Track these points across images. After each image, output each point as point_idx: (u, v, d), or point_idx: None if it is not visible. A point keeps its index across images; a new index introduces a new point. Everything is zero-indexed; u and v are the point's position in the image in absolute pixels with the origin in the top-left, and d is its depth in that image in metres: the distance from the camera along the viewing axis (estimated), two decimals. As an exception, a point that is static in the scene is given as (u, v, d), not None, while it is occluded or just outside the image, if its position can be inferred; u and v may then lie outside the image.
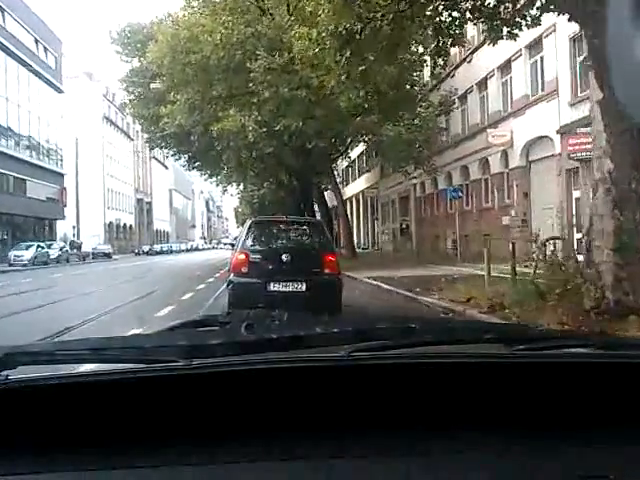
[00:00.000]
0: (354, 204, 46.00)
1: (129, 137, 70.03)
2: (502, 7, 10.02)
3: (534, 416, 0.95)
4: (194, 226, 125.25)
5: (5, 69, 37.72)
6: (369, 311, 9.19)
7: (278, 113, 17.17)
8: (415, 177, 28.99)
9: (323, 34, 10.60)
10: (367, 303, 10.61)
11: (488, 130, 20.55)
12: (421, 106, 21.83)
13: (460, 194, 20.40)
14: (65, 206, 46.67)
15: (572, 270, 6.36)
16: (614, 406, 0.96)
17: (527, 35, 19.16)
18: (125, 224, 68.64)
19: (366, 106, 18.08)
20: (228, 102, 17.95)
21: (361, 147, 41.62)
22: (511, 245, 9.23)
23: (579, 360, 1.07)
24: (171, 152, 27.94)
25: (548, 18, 11.16)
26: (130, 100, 25.63)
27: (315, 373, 0.96)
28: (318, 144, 18.71)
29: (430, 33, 11.41)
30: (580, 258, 6.93)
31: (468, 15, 10.36)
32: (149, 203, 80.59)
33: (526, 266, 9.10)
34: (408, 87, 21.79)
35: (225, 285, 8.49)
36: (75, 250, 40.34)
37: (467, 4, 10.14)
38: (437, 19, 10.62)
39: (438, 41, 10.75)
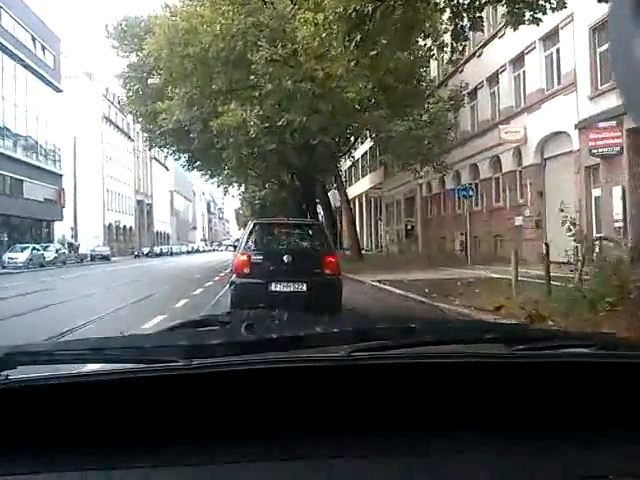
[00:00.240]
0: (357, 205, 45.12)
1: (129, 138, 69.22)
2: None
3: (534, 416, 0.94)
4: (195, 228, 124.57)
5: (1, 67, 36.96)
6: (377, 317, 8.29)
7: (281, 107, 16.27)
8: (422, 176, 28.13)
9: (330, 17, 9.73)
10: (379, 310, 9.78)
11: (500, 126, 19.65)
12: (429, 103, 20.92)
13: (471, 193, 19.49)
14: (63, 207, 45.86)
15: (626, 274, 5.44)
16: (614, 406, 0.95)
17: (541, 27, 18.49)
18: (125, 226, 67.86)
19: (373, 100, 17.25)
20: (228, 96, 17.04)
21: (365, 146, 41.04)
22: (544, 246, 8.25)
23: (579, 360, 1.07)
24: (170, 151, 27.03)
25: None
26: (127, 97, 24.74)
27: (315, 373, 0.96)
28: (323, 140, 17.81)
29: (447, 16, 10.51)
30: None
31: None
32: (149, 205, 79.84)
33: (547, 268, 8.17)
34: (415, 82, 21.01)
35: (227, 285, 8.65)
36: (72, 252, 39.48)
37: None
38: (454, 1, 9.78)
39: (456, 24, 9.87)
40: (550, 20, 17.90)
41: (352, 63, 9.89)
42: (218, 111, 16.75)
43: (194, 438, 0.89)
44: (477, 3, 9.82)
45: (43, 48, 43.81)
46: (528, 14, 10.15)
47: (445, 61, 25.90)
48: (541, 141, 18.53)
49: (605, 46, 13.57)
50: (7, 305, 11.75)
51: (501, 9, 11.91)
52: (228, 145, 19.42)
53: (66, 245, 41.02)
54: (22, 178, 38.87)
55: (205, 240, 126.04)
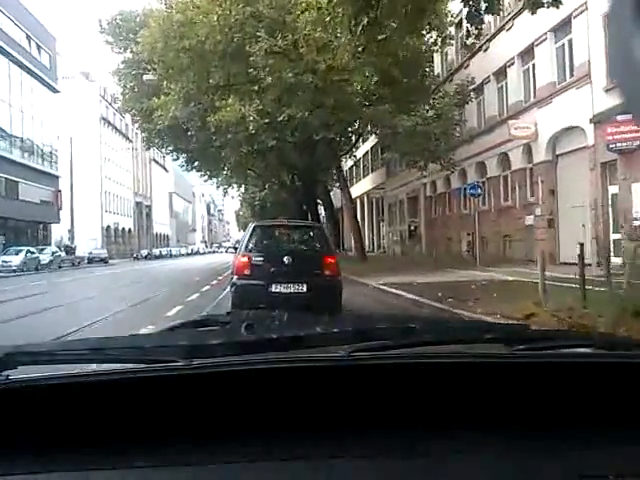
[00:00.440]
0: (358, 206, 44.38)
1: (128, 139, 68.43)
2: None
3: (534, 416, 0.94)
4: (195, 230, 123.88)
5: (-4, 67, 36.27)
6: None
7: (281, 102, 15.49)
8: (426, 175, 27.40)
9: (335, 0, 9.00)
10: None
11: (510, 122, 18.86)
12: (434, 99, 20.13)
13: (480, 191, 18.68)
14: (60, 209, 45.13)
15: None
16: (614, 406, 0.95)
17: (553, 17, 17.72)
18: (124, 228, 67.16)
19: (378, 94, 16.49)
20: (226, 91, 16.25)
21: (367, 146, 40.36)
22: (579, 246, 7.47)
23: (579, 360, 1.07)
24: (168, 150, 26.25)
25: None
26: (123, 94, 23.98)
27: (315, 373, 0.96)
28: (325, 137, 17.03)
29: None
30: None
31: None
32: (148, 206, 79.13)
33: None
34: (420, 77, 20.28)
35: (228, 287, 8.73)
36: (69, 255, 38.72)
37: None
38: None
39: (470, 6, 9.11)
40: (562, 9, 17.29)
41: (359, 49, 9.11)
42: (216, 106, 15.97)
43: (194, 438, 0.89)
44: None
45: (38, 47, 43.10)
46: (548, -5, 9.39)
47: (450, 55, 25.35)
48: (553, 137, 17.75)
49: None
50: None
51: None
52: (227, 143, 18.65)
53: (62, 248, 40.19)
54: (17, 179, 38.17)
55: (205, 242, 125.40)
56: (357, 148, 33.90)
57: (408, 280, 13.51)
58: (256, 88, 15.55)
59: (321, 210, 34.38)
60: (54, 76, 45.72)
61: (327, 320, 1.90)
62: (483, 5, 8.96)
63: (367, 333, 1.24)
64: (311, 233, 9.34)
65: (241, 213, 76.30)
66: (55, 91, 45.35)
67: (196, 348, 1.10)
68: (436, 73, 24.53)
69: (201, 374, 0.92)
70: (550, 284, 9.43)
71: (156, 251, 66.44)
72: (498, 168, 21.59)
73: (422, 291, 10.82)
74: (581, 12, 15.63)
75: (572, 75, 16.70)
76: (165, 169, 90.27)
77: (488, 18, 19.36)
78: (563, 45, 17.32)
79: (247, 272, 7.96)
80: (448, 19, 20.59)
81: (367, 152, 41.82)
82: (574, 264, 15.77)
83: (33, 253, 31.67)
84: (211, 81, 16.27)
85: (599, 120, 15.07)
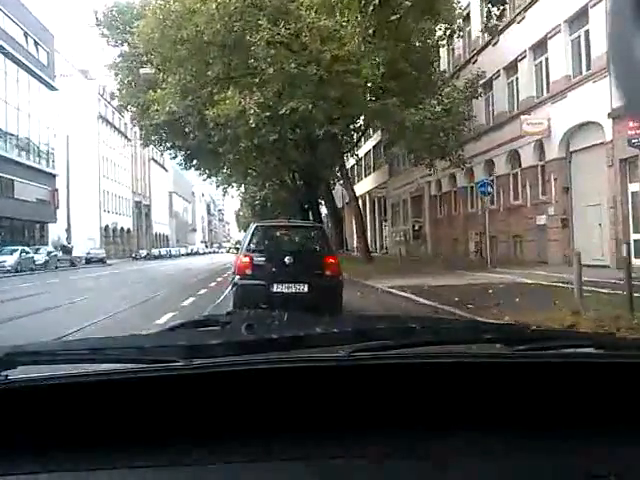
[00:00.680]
0: (360, 206, 43.67)
1: (126, 138, 67.62)
2: None
3: (534, 416, 0.94)
4: (195, 230, 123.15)
5: (-8, 63, 35.53)
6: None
7: (283, 95, 14.69)
8: (431, 174, 26.69)
9: (343, -20, 8.25)
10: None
11: (522, 117, 18.07)
12: (441, 95, 19.32)
13: (490, 189, 17.87)
14: (57, 208, 44.35)
15: None
16: (615, 406, 0.95)
17: (568, 7, 16.96)
18: (122, 228, 66.41)
19: (384, 88, 15.71)
20: (226, 84, 15.46)
21: (369, 145, 39.66)
22: (625, 245, 6.68)
23: (579, 360, 1.07)
24: (166, 147, 25.43)
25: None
26: (119, 89, 23.19)
27: (315, 373, 0.96)
28: (329, 131, 16.23)
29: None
30: None
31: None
32: (148, 206, 78.40)
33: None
34: (428, 72, 19.53)
35: (228, 288, 8.82)
36: (65, 255, 37.93)
37: None
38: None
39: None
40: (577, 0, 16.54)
41: (369, 32, 8.34)
42: (214, 100, 15.18)
43: (194, 438, 0.89)
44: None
45: (36, 44, 42.37)
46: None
47: (457, 51, 24.58)
48: (567, 132, 16.98)
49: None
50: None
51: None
52: (226, 138, 17.88)
53: (59, 248, 39.42)
54: (13, 178, 37.41)
55: (205, 242, 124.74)
56: (360, 147, 33.16)
57: (418, 283, 12.74)
58: (257, 80, 14.74)
59: (322, 209, 33.67)
60: (52, 74, 44.97)
61: (327, 320, 1.91)
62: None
63: (367, 333, 1.23)
64: (312, 233, 9.38)
65: (241, 213, 75.60)
66: (53, 89, 44.61)
67: (196, 348, 1.08)
68: (442, 69, 23.79)
69: (201, 374, 0.92)
70: (571, 287, 8.71)
71: (155, 251, 65.81)
72: (507, 166, 20.83)
73: (436, 295, 10.04)
74: (598, 1, 14.86)
75: (589, 68, 15.92)
76: (164, 168, 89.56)
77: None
78: (579, 37, 16.54)
79: (249, 272, 8.01)
80: (457, 11, 19.88)
81: (369, 151, 41.17)
82: (591, 266, 15.08)
83: (28, 253, 30.87)
84: (209, 73, 15.46)
85: (618, 115, 14.29)
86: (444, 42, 21.35)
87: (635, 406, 0.93)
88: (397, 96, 15.34)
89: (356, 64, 13.20)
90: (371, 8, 7.97)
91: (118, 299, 12.46)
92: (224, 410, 0.92)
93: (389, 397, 0.94)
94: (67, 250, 39.79)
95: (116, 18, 21.72)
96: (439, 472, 0.86)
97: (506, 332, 1.45)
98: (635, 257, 11.69)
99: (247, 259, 8.14)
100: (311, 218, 27.20)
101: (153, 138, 24.14)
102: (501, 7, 8.84)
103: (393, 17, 8.08)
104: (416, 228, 31.71)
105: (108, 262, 45.50)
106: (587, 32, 16.01)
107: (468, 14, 22.92)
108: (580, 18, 16.18)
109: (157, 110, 17.49)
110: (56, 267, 33.64)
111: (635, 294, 6.17)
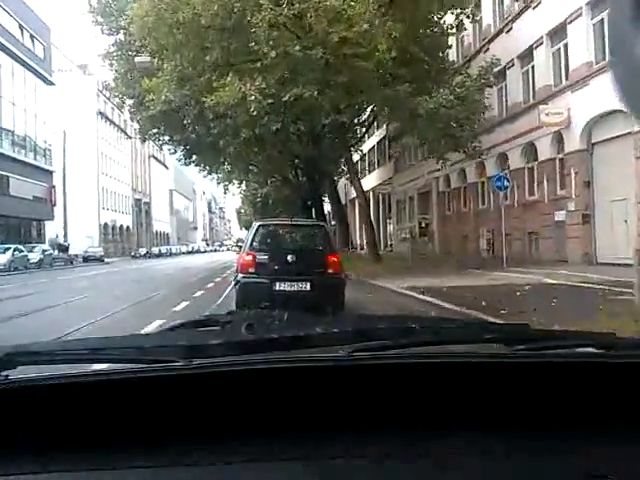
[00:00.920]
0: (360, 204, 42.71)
1: (126, 134, 66.62)
2: None
3: (534, 416, 0.94)
4: (195, 228, 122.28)
5: (-16, 56, 34.53)
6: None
7: (287, 81, 13.63)
8: (439, 169, 25.69)
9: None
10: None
11: (540, 107, 17.04)
12: (452, 85, 18.28)
13: (507, 183, 16.82)
14: (54, 205, 43.38)
15: None
16: (615, 406, 0.95)
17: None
18: (122, 225, 65.50)
19: (394, 74, 14.67)
20: (225, 70, 14.43)
21: (374, 140, 38.66)
22: None
23: (579, 360, 1.07)
24: (164, 140, 24.40)
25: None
26: (115, 79, 22.16)
27: (315, 373, 0.96)
28: (336, 121, 15.19)
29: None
30: None
31: None
32: (148, 204, 77.48)
33: None
34: (439, 60, 18.51)
35: (232, 285, 8.89)
36: (61, 253, 36.95)
37: None
38: None
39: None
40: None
41: (381, 10, 7.32)
42: (213, 87, 14.16)
43: (194, 438, 0.89)
44: None
45: (32, 37, 41.32)
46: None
47: (466, 41, 23.52)
48: (589, 123, 15.95)
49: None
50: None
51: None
52: (225, 130, 16.86)
53: (55, 246, 38.43)
54: (8, 174, 36.42)
55: (206, 240, 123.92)
56: (364, 142, 32.12)
57: (433, 283, 11.74)
58: (258, 65, 13.71)
59: (326, 206, 32.70)
60: (48, 68, 43.95)
61: (327, 320, 1.94)
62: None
63: (367, 333, 1.21)
64: (314, 232, 9.44)
65: (242, 211, 74.54)
66: (50, 83, 43.62)
67: (196, 348, 1.07)
68: (451, 60, 22.77)
69: (201, 374, 0.92)
70: (612, 290, 7.73)
71: (155, 249, 64.95)
72: (522, 159, 19.81)
73: (458, 298, 9.03)
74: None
75: (613, 53, 14.89)
76: (165, 166, 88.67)
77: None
78: (602, 20, 15.48)
79: (252, 270, 8.09)
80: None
81: (373, 147, 40.24)
82: (616, 265, 14.07)
83: (21, 251, 29.87)
84: (207, 59, 14.41)
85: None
86: (454, 30, 20.35)
87: (635, 406, 0.93)
88: (409, 83, 14.29)
89: (366, 46, 12.18)
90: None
91: (106, 303, 11.38)
92: (224, 410, 0.92)
93: (389, 397, 0.94)
94: (63, 248, 38.81)
95: (110, 4, 20.70)
96: (439, 472, 0.85)
97: (506, 332, 1.43)
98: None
99: (250, 257, 8.20)
100: (314, 216, 26.21)
101: (151, 132, 23.13)
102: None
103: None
104: (423, 225, 30.75)
105: (107, 260, 44.62)
106: (612, 15, 14.99)
107: (479, 1, 21.94)
108: (602, 0, 15.15)
109: (152, 100, 16.49)
110: (51, 265, 32.68)
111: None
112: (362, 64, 12.65)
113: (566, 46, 17.12)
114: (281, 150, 21.53)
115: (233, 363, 0.94)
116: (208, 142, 19.58)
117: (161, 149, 37.81)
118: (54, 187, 43.56)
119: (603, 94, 14.99)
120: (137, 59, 18.90)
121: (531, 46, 18.91)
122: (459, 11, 18.17)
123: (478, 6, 21.68)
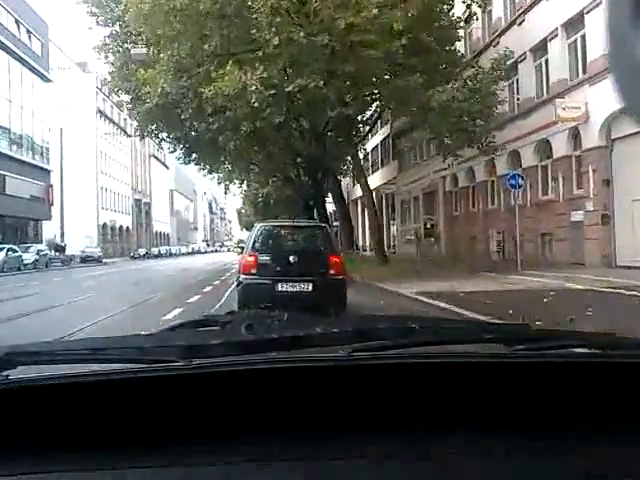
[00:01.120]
0: (366, 203, 41.90)
1: (126, 133, 65.87)
2: None
3: (534, 416, 0.94)
4: (196, 228, 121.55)
5: (-20, 52, 33.74)
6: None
7: (290, 70, 12.81)
8: (445, 168, 24.85)
9: None
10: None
11: (557, 101, 16.20)
12: (463, 78, 17.46)
13: (522, 182, 15.97)
14: (52, 205, 42.61)
15: None
16: (614, 406, 0.94)
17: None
18: (121, 226, 64.73)
19: (404, 65, 13.85)
20: (224, 60, 13.60)
21: (377, 139, 37.86)
22: None
23: (579, 360, 1.06)
24: (162, 136, 23.58)
25: None
26: (110, 72, 21.35)
27: (315, 373, 0.96)
28: (343, 113, 14.35)
29: None
30: None
31: None
32: (148, 204, 76.75)
33: None
34: (449, 50, 17.71)
35: (235, 285, 8.98)
36: (58, 254, 36.13)
37: None
38: None
39: None
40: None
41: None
42: (212, 78, 13.34)
43: (194, 438, 0.89)
44: None
45: (29, 33, 40.58)
46: None
47: (475, 35, 22.69)
48: (608, 118, 15.08)
49: None
50: None
51: None
52: (225, 125, 16.05)
53: (52, 246, 37.61)
54: (5, 173, 35.64)
55: (207, 241, 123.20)
56: (368, 140, 31.28)
57: (446, 287, 10.92)
58: (260, 54, 12.88)
59: (328, 207, 31.88)
60: (46, 65, 43.19)
61: (327, 320, 1.91)
62: None
63: (367, 333, 1.21)
64: (316, 233, 9.47)
65: (243, 211, 73.76)
66: (47, 80, 42.87)
67: (196, 348, 1.07)
68: (460, 54, 21.95)
69: (201, 374, 0.92)
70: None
71: (155, 250, 64.22)
72: (535, 157, 18.97)
73: (478, 305, 8.19)
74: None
75: (636, 43, 14.07)
76: (165, 165, 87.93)
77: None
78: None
79: (254, 271, 8.15)
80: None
81: (376, 146, 39.47)
82: (636, 268, 13.23)
83: (15, 252, 29.06)
84: (206, 47, 13.59)
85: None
86: (462, 24, 19.56)
87: (635, 406, 0.93)
88: (420, 73, 13.45)
89: (375, 33, 11.36)
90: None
91: (99, 306, 10.56)
92: (224, 410, 0.91)
93: (389, 397, 0.93)
94: (60, 249, 38.01)
95: (106, -6, 19.89)
96: (439, 472, 0.85)
97: (506, 332, 1.43)
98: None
99: (252, 258, 8.27)
100: (316, 217, 25.38)
101: (149, 129, 22.31)
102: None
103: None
104: (428, 226, 29.82)
105: (105, 261, 43.87)
106: (634, 2, 14.17)
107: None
108: (625, -13, 14.34)
109: (149, 92, 15.67)
110: (47, 266, 31.87)
111: None
112: (370, 52, 11.83)
113: (583, 37, 16.28)
114: (283, 147, 20.73)
115: (233, 363, 0.94)
116: (207, 139, 18.79)
117: (160, 147, 36.92)
118: (52, 186, 42.79)
119: (624, 87, 14.20)
120: (133, 50, 18.11)
121: (545, 38, 18.08)
122: (469, 1, 17.33)
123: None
